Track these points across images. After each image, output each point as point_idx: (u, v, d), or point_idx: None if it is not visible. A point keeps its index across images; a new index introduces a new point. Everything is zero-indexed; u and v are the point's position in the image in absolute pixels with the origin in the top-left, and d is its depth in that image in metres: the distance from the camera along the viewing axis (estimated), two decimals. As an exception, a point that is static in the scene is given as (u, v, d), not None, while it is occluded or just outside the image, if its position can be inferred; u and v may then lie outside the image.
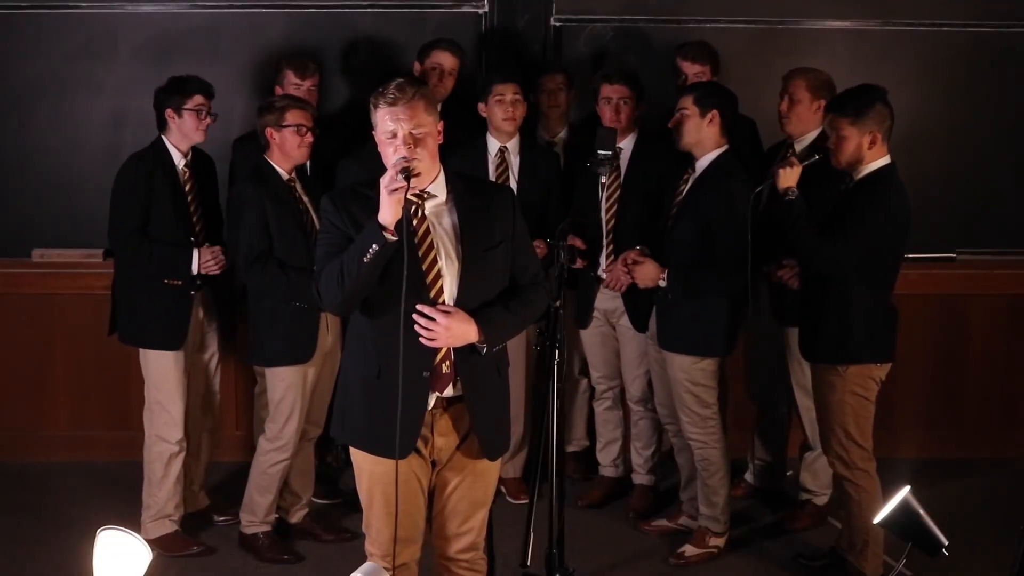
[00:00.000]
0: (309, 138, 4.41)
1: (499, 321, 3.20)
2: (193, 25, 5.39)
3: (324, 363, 4.56)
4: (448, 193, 3.22)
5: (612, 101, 4.76)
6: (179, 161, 4.55)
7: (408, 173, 3.00)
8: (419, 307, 3.10)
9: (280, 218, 4.34)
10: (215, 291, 4.68)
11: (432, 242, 3.17)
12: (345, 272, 3.08)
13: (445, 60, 5.05)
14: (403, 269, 3.02)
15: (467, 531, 3.38)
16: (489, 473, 3.37)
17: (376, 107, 3.13)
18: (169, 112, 4.49)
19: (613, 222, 4.80)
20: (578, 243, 4.79)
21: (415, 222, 3.15)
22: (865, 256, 4.09)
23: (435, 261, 3.16)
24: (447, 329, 3.10)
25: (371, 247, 3.03)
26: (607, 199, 4.80)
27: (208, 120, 4.53)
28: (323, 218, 3.25)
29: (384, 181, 3.02)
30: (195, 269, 4.52)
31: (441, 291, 3.16)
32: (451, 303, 3.16)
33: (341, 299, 3.14)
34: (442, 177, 3.22)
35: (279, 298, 4.37)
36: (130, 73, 5.38)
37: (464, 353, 3.19)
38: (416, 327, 3.10)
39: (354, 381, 3.30)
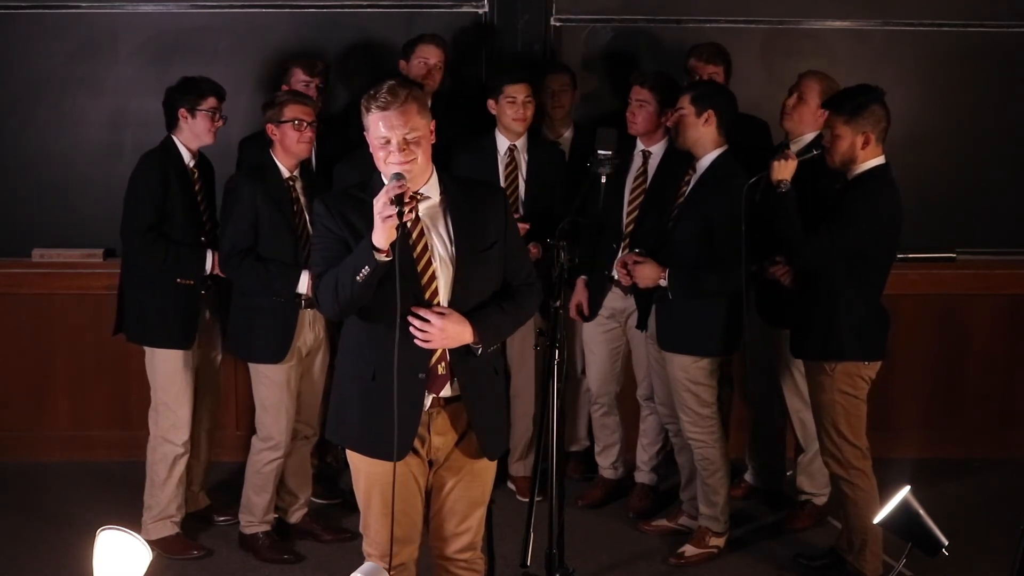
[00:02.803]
0: (309, 133, 4.40)
1: (494, 322, 3.20)
2: (193, 25, 5.39)
3: (312, 362, 4.57)
4: (441, 194, 3.22)
5: (631, 103, 4.76)
6: (188, 161, 4.56)
7: (401, 201, 2.97)
8: (414, 309, 3.10)
9: (271, 216, 4.35)
10: (219, 290, 4.68)
11: (426, 244, 3.16)
12: (340, 287, 3.09)
13: (431, 54, 5.06)
14: (395, 282, 3.01)
15: (465, 531, 3.38)
16: (486, 472, 3.37)
17: (368, 111, 3.11)
18: (183, 112, 4.49)
19: (633, 226, 4.76)
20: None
21: (409, 224, 3.14)
22: (852, 254, 4.10)
23: (429, 263, 3.16)
24: (442, 331, 3.10)
25: (364, 268, 3.03)
26: (630, 202, 4.79)
27: (220, 122, 4.54)
28: (316, 222, 3.25)
29: (377, 207, 3.00)
30: (208, 269, 4.53)
31: (436, 293, 3.16)
32: (445, 305, 3.16)
33: (338, 310, 3.16)
34: (435, 178, 3.22)
35: (256, 292, 4.38)
36: (130, 73, 5.39)
37: (460, 354, 3.19)
38: (411, 329, 3.10)
39: (349, 384, 3.30)
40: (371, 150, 3.15)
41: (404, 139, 3.07)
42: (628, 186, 4.79)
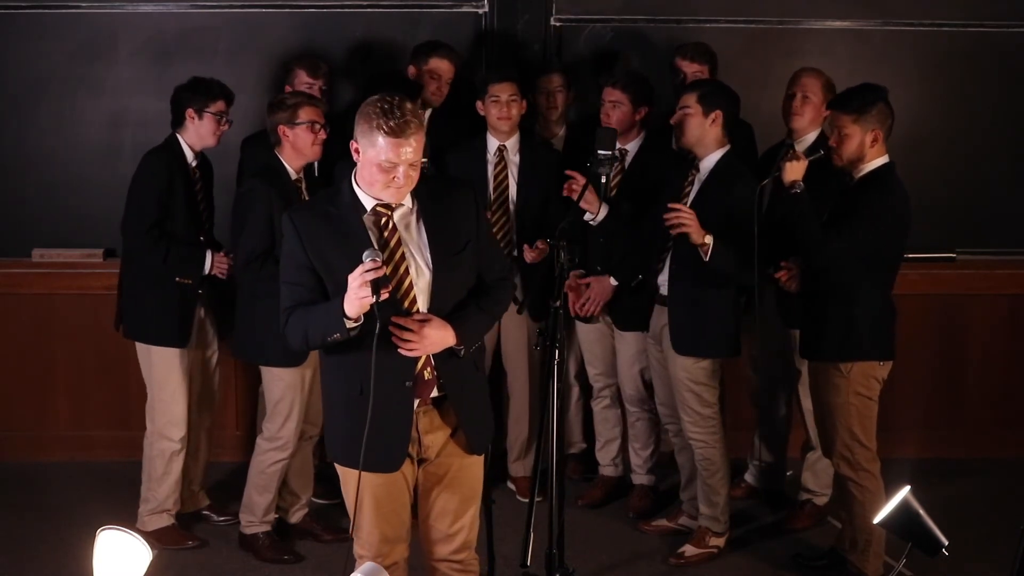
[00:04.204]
0: (322, 135, 4.41)
1: (473, 321, 3.21)
2: (193, 25, 5.39)
3: (317, 362, 4.57)
4: (413, 200, 3.20)
5: (605, 103, 4.78)
6: (191, 160, 4.57)
7: (378, 287, 2.95)
8: (394, 319, 3.09)
9: None
10: (216, 290, 4.68)
11: (403, 254, 3.15)
12: (310, 338, 3.13)
13: (444, 68, 5.04)
14: (374, 336, 3.01)
15: (459, 530, 3.36)
16: (475, 467, 3.36)
17: (376, 130, 3.01)
18: (190, 112, 4.50)
19: None
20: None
21: (386, 234, 3.13)
22: (871, 253, 4.10)
23: (407, 272, 3.15)
24: (425, 337, 3.10)
25: (335, 334, 3.05)
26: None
27: (226, 126, 4.55)
28: (284, 241, 3.21)
29: (352, 285, 2.96)
30: (206, 269, 4.53)
31: (414, 300, 3.15)
32: (425, 311, 3.15)
33: (306, 350, 3.27)
34: None
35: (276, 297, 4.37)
36: (130, 73, 5.39)
37: (443, 357, 3.19)
38: (393, 339, 3.09)
39: (337, 401, 3.29)
40: (364, 164, 3.08)
41: (410, 164, 3.05)
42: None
